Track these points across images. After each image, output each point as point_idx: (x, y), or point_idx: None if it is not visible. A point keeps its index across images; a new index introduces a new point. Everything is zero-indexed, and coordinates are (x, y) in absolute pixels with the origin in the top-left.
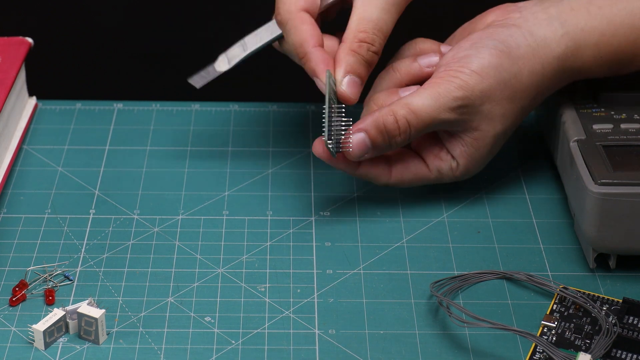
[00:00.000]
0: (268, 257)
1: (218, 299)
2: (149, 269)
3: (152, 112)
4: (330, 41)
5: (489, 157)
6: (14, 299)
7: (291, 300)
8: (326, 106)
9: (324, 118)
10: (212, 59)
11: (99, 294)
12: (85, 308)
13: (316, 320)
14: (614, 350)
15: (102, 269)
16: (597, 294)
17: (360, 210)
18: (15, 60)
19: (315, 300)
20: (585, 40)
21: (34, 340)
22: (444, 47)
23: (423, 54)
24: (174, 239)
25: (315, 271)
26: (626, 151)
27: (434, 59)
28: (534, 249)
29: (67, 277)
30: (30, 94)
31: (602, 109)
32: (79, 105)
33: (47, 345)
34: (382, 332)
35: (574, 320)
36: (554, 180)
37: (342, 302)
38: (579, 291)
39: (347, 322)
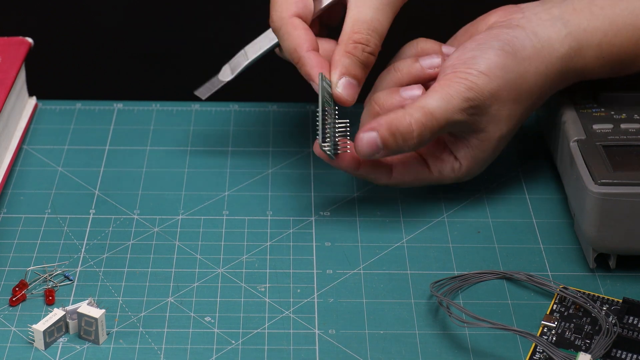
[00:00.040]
0: (268, 257)
1: (218, 299)
2: (149, 269)
3: (152, 112)
4: (327, 44)
5: (492, 158)
6: (14, 299)
7: (291, 300)
8: (320, 110)
9: (317, 122)
10: (212, 60)
11: (99, 294)
12: (85, 308)
13: (316, 320)
14: (614, 350)
15: (102, 269)
16: (597, 294)
17: (360, 210)
18: (15, 60)
19: (315, 300)
20: (588, 40)
21: (34, 340)
22: (445, 48)
23: (424, 54)
24: (174, 239)
25: (315, 271)
26: (626, 151)
27: (436, 60)
28: (534, 249)
29: (67, 277)
30: (30, 94)
31: (602, 109)
32: (79, 105)
33: (47, 345)
34: (382, 332)
35: (574, 320)
36: (554, 180)
37: (342, 302)
38: (579, 291)
39: (347, 322)
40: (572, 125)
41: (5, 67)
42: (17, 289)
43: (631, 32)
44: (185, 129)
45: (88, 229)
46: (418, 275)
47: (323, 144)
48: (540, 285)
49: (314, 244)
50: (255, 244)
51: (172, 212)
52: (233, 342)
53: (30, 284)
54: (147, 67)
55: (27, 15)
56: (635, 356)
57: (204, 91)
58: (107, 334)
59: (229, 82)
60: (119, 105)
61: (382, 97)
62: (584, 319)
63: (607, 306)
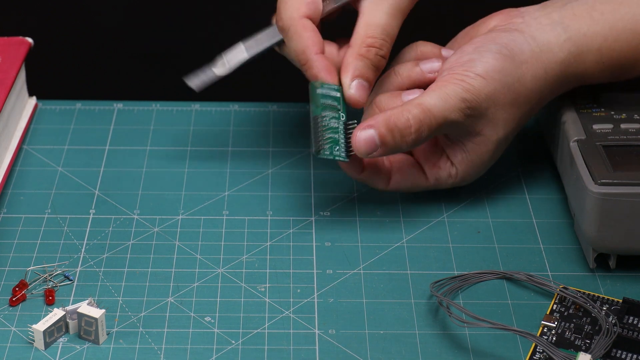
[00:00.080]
0: (268, 257)
1: (218, 299)
2: (149, 269)
3: (152, 112)
4: (329, 47)
5: (490, 163)
6: (14, 299)
7: (291, 300)
8: (311, 117)
9: (315, 129)
10: (212, 59)
11: (99, 294)
12: (85, 308)
13: (316, 320)
14: (614, 350)
15: (102, 269)
16: (597, 294)
17: (360, 210)
18: (15, 60)
19: (315, 300)
20: (588, 45)
21: (34, 340)
22: (444, 51)
23: (424, 58)
24: (174, 239)
25: (315, 271)
26: (626, 151)
27: (436, 64)
28: (534, 249)
29: (67, 277)
30: (30, 94)
31: (602, 109)
32: (79, 105)
33: (47, 345)
34: (382, 332)
35: (574, 320)
36: (554, 180)
37: (342, 302)
38: (579, 291)
39: (347, 322)
40: (572, 125)
41: (5, 67)
42: (17, 289)
43: (631, 37)
44: (185, 129)
45: (88, 229)
46: (418, 275)
47: (318, 154)
48: (540, 285)
49: (314, 244)
50: (255, 244)
51: (172, 212)
52: (233, 342)
53: (30, 284)
54: (147, 67)
55: (27, 15)
56: (635, 356)
57: (196, 81)
58: (107, 334)
59: (225, 78)
60: (119, 105)
61: (384, 100)
62: (584, 319)
63: (607, 306)
